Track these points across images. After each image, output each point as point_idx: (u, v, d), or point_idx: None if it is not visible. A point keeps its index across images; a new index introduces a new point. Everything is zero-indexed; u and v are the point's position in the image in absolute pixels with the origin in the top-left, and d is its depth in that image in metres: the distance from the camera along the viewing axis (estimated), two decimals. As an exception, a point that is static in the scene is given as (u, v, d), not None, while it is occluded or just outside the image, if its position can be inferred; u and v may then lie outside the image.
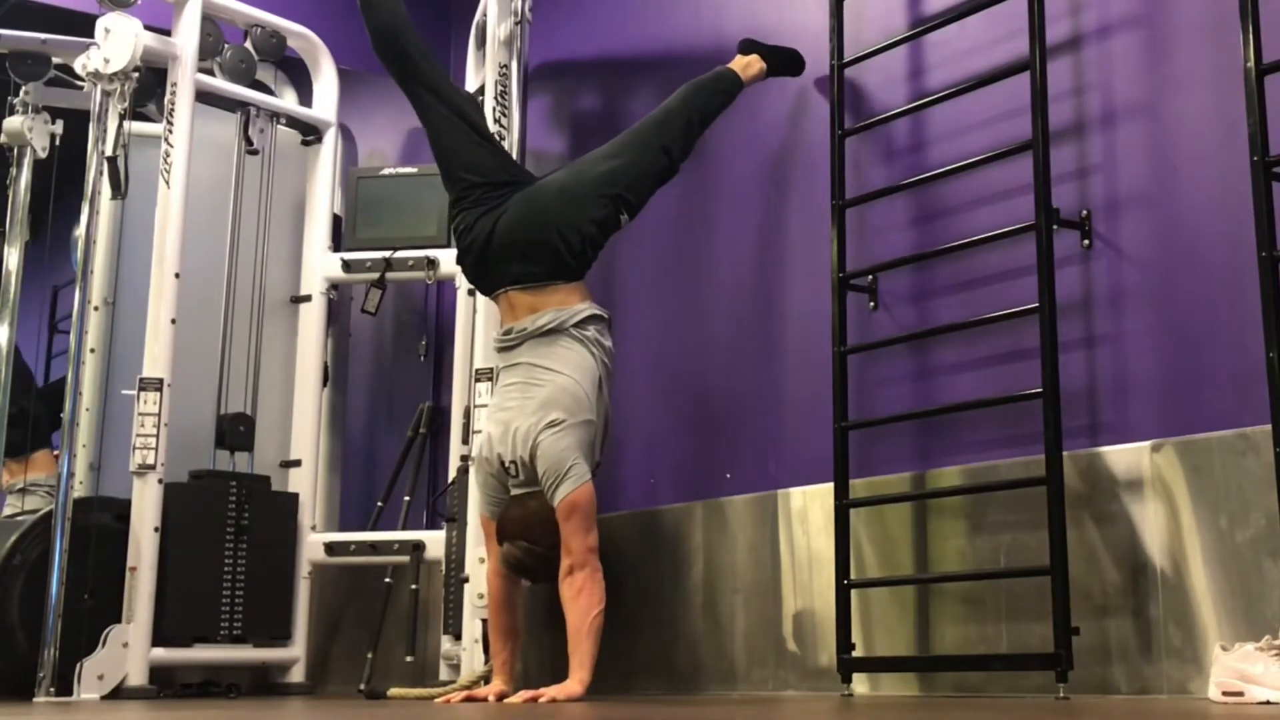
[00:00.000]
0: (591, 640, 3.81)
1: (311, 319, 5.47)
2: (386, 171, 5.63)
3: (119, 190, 4.86)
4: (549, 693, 3.70)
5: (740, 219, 4.64)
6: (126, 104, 4.83)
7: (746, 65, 4.43)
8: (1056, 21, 3.66)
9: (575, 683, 3.75)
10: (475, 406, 4.69)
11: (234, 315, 5.30)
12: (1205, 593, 3.18)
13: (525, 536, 3.92)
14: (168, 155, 4.91)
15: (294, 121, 5.60)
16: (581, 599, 3.85)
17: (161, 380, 4.75)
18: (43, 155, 5.65)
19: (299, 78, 5.97)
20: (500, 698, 3.91)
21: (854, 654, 3.77)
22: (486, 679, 4.22)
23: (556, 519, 3.89)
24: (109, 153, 4.80)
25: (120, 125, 4.82)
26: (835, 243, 4.01)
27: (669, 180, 4.29)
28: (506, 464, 3.98)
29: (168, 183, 4.90)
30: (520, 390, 4.00)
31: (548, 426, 3.89)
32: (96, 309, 5.18)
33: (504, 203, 4.12)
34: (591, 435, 3.98)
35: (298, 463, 5.36)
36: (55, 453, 5.98)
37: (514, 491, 4.00)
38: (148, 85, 5.04)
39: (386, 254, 5.39)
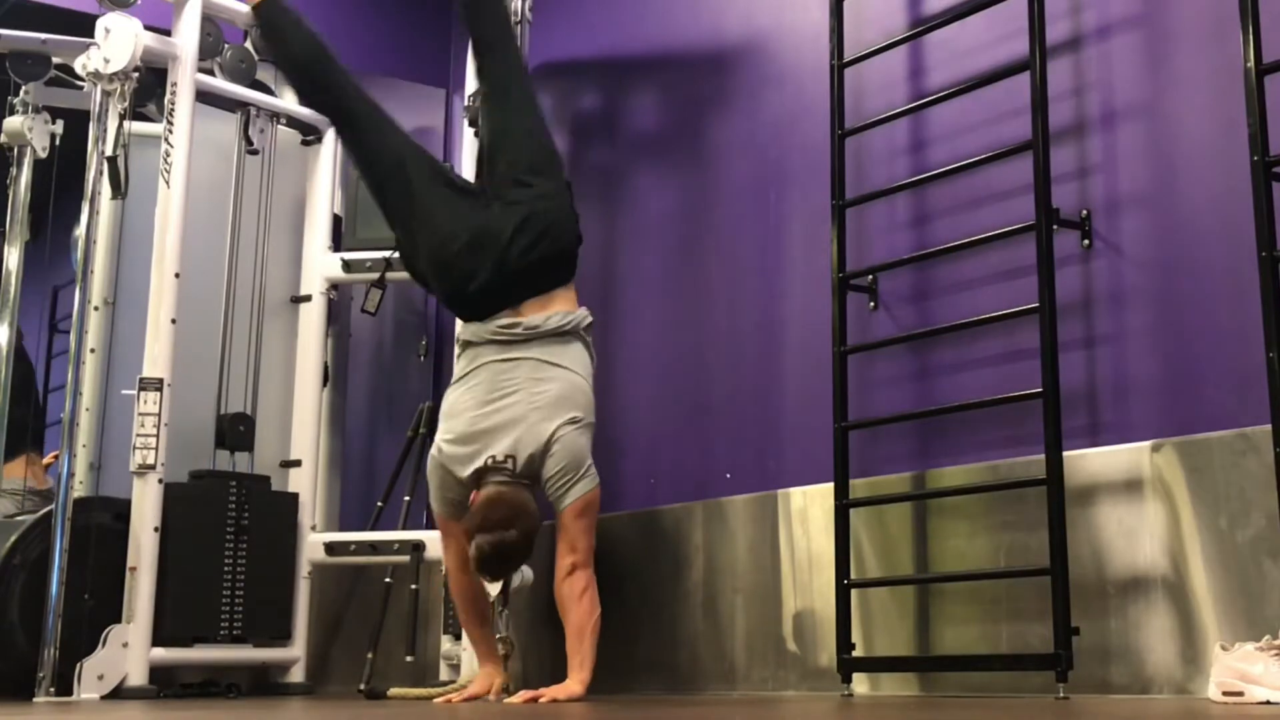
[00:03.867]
0: (592, 640, 3.80)
1: (311, 319, 5.45)
2: (387, 171, 5.59)
3: (119, 190, 4.83)
4: (549, 693, 3.69)
5: (740, 219, 4.64)
6: (126, 104, 4.80)
7: None
8: (1056, 21, 3.66)
9: (576, 683, 3.73)
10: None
11: (234, 315, 5.27)
12: (1205, 593, 3.18)
13: (513, 525, 3.79)
14: (168, 155, 4.89)
15: (294, 121, 5.57)
16: (585, 599, 3.83)
17: (161, 380, 4.72)
18: (43, 155, 5.62)
19: (299, 78, 5.93)
20: (503, 688, 3.91)
21: (854, 654, 3.77)
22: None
23: (530, 509, 3.83)
24: (109, 153, 4.78)
25: (120, 125, 4.79)
26: (835, 243, 4.00)
27: None
28: (501, 458, 3.89)
29: (168, 183, 4.88)
30: (527, 386, 3.93)
31: (569, 423, 3.87)
32: (96, 309, 5.14)
33: (497, 241, 3.99)
34: (592, 438, 3.97)
35: (298, 463, 5.34)
36: (28, 457, 5.97)
37: (496, 479, 3.89)
38: (148, 85, 5.00)
39: (387, 254, 5.36)
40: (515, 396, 3.93)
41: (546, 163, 4.12)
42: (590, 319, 4.07)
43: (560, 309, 4.02)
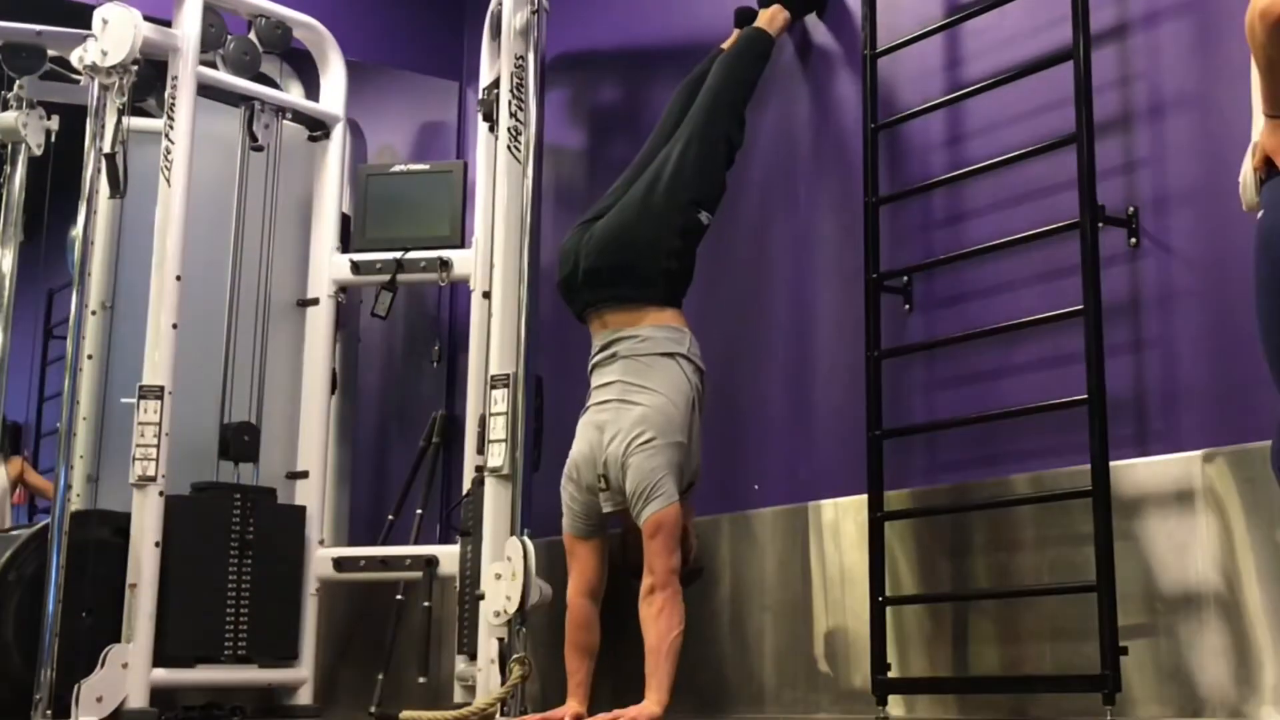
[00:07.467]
0: (670, 661, 3.88)
1: (319, 323, 5.45)
2: (397, 168, 5.62)
3: (118, 189, 4.86)
4: (627, 713, 3.75)
5: (769, 217, 4.62)
6: (125, 98, 4.84)
7: (771, 18, 4.51)
8: (1101, 8, 3.62)
9: (653, 703, 3.81)
10: (491, 415, 4.65)
11: (238, 319, 5.27)
12: (1259, 610, 3.12)
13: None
14: (168, 152, 4.92)
15: (300, 116, 5.59)
16: (662, 619, 3.91)
17: (162, 388, 4.75)
18: (38, 152, 5.86)
19: (305, 70, 5.97)
20: (576, 719, 3.97)
21: (889, 675, 3.75)
22: (504, 702, 4.20)
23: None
24: (107, 150, 4.81)
25: (119, 121, 4.82)
26: (868, 242, 3.99)
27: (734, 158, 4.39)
28: (597, 478, 4.07)
29: (168, 181, 4.91)
30: (615, 409, 4.09)
31: (641, 445, 3.99)
32: (94, 313, 5.17)
33: (591, 226, 4.27)
34: (682, 457, 4.05)
35: (305, 474, 5.33)
36: None
37: (606, 509, 4.08)
38: (147, 79, 5.04)
39: (397, 255, 5.40)
40: (606, 416, 4.11)
41: (677, 190, 4.22)
42: (683, 344, 4.15)
43: (648, 325, 4.14)
